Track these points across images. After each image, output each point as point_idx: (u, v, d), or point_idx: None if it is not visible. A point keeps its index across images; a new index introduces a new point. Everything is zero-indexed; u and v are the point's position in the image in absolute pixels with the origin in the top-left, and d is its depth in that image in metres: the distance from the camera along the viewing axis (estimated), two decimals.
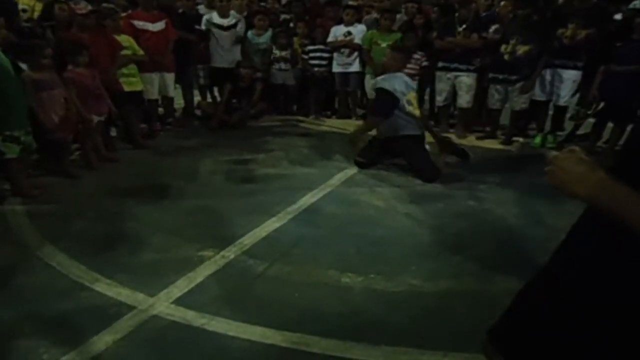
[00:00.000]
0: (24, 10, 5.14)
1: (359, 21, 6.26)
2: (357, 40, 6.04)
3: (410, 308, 2.41)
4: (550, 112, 5.43)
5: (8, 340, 2.13)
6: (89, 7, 4.56)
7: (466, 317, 2.30)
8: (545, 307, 1.12)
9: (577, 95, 5.32)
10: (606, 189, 0.86)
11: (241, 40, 6.20)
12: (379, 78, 4.60)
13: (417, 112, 4.48)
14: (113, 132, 5.25)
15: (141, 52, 5.05)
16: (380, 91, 4.42)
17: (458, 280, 2.66)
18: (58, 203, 3.69)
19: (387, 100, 4.34)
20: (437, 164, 4.35)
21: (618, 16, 5.22)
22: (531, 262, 2.71)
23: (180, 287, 2.54)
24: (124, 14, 5.32)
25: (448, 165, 4.41)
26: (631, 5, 5.15)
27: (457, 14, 5.50)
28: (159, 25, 5.31)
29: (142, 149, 5.10)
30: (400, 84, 4.40)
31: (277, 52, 6.26)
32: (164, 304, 2.39)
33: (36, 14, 5.19)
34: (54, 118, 3.93)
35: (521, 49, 4.99)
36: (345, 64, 6.20)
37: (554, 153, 0.97)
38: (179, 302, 2.42)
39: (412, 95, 4.49)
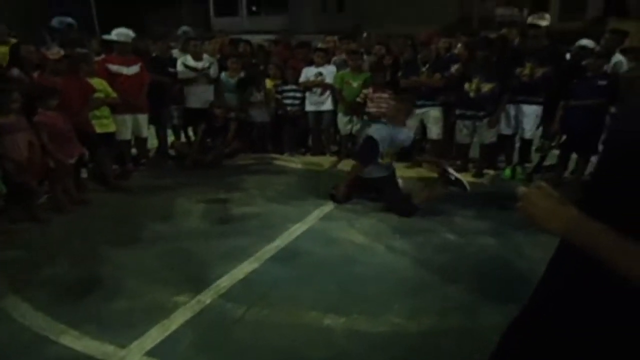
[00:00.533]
0: None
1: (329, 62, 6.44)
2: (328, 80, 6.21)
3: (394, 349, 2.37)
4: (517, 145, 5.64)
5: None
6: (62, 52, 4.54)
7: (452, 356, 2.27)
8: (531, 345, 1.11)
9: (541, 129, 5.56)
10: (577, 224, 0.90)
11: (214, 82, 6.28)
12: (374, 126, 4.70)
13: (387, 160, 4.53)
14: (84, 174, 5.12)
15: (114, 95, 5.01)
16: (368, 139, 4.43)
17: (442, 318, 2.64)
18: (25, 249, 3.54)
19: (372, 150, 4.37)
20: (416, 198, 4.37)
21: (567, 55, 5.55)
22: (514, 295, 2.68)
23: (154, 336, 2.44)
24: (98, 58, 5.33)
25: (429, 198, 4.42)
26: (577, 44, 5.51)
27: (419, 55, 5.78)
28: (133, 69, 5.37)
29: (115, 190, 4.99)
30: (387, 140, 4.39)
31: (255, 95, 6.33)
32: (136, 356, 2.29)
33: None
34: (16, 162, 3.81)
35: (485, 87, 5.24)
36: (318, 103, 6.34)
37: (523, 189, 1.02)
38: (153, 353, 2.32)
39: (389, 152, 4.49)
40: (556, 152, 5.39)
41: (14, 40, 5.22)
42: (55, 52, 4.50)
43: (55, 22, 5.34)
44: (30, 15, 14.17)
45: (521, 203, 0.99)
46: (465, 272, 3.20)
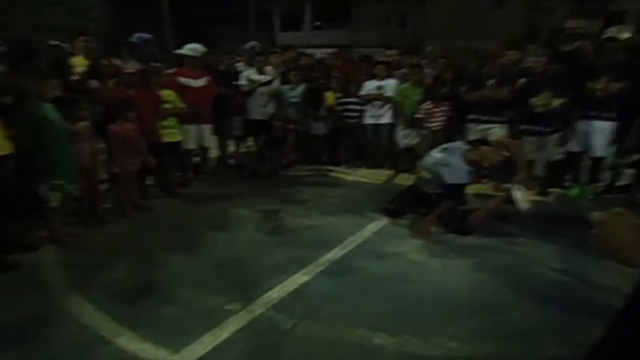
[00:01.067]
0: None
1: (390, 76, 6.38)
2: (388, 93, 6.15)
3: None
4: (587, 164, 5.27)
5: None
6: (137, 66, 4.82)
7: None
8: None
9: (614, 147, 5.15)
10: None
11: (276, 95, 6.42)
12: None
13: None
14: (149, 181, 5.37)
15: (182, 106, 5.25)
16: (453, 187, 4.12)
17: (499, 344, 2.48)
18: (90, 252, 3.73)
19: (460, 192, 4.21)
20: (472, 217, 4.16)
21: None
22: (577, 324, 2.50)
23: (205, 343, 2.46)
24: (170, 71, 5.62)
25: (485, 217, 4.17)
26: None
27: (484, 69, 5.56)
28: (201, 82, 5.63)
29: (176, 197, 5.19)
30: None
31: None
32: None
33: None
34: (81, 169, 4.00)
35: (555, 102, 4.95)
36: (377, 116, 6.30)
37: (598, 214, 0.91)
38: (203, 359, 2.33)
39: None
40: (630, 171, 5.00)
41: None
42: (131, 65, 4.79)
43: (134, 38, 5.69)
44: (110, 32, 15.34)
45: (598, 231, 0.88)
46: (526, 297, 2.99)
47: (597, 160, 5.15)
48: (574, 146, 5.10)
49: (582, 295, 2.98)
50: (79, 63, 5.04)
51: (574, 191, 5.20)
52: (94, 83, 4.76)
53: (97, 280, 3.21)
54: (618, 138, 4.96)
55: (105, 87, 4.81)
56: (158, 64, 5.31)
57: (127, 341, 2.48)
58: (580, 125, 5.01)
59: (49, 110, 3.65)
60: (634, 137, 4.71)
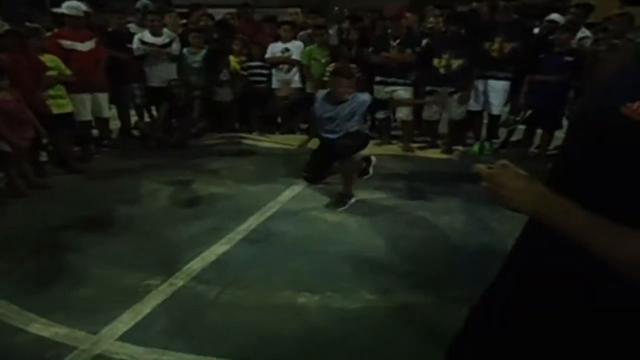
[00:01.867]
0: None
1: (295, 37, 6.30)
2: (294, 56, 6.08)
3: (369, 325, 2.38)
4: (485, 121, 5.70)
5: None
6: (6, 27, 4.25)
7: (423, 329, 2.32)
8: (500, 321, 1.11)
9: (509, 104, 5.63)
10: (547, 203, 0.87)
11: (176, 59, 6.05)
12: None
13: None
14: (43, 157, 4.90)
15: (68, 72, 4.76)
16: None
17: (414, 293, 2.67)
18: None
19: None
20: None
21: (536, 30, 5.61)
22: (482, 269, 2.76)
23: (126, 321, 2.37)
24: (49, 34, 5.03)
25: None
26: (547, 18, 5.58)
27: (389, 30, 5.68)
28: (88, 45, 5.11)
29: (76, 173, 4.80)
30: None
31: (224, 72, 6.16)
32: (109, 342, 2.22)
33: None
34: None
35: (455, 63, 5.24)
36: (285, 80, 6.20)
37: (481, 167, 0.98)
38: (125, 338, 2.25)
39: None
40: (522, 127, 5.51)
41: None
42: None
43: None
44: None
45: (486, 184, 0.95)
46: (435, 249, 3.25)
47: (494, 118, 5.56)
48: (474, 105, 5.48)
49: (484, 243, 3.29)
50: None
51: (475, 148, 5.65)
52: None
53: None
54: (512, 96, 5.40)
55: None
56: (36, 25, 4.75)
57: (41, 327, 2.31)
58: (478, 84, 5.37)
59: None
60: (524, 95, 5.17)
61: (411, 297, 2.63)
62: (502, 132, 5.89)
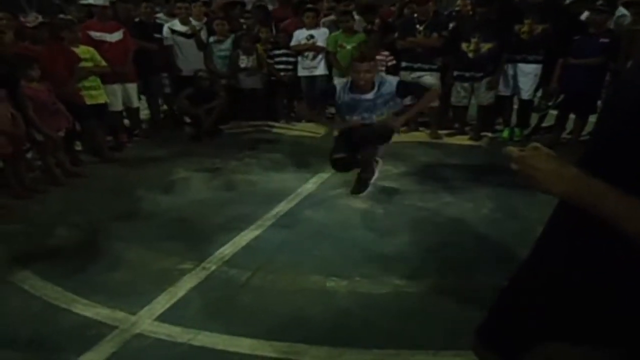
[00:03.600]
0: None
1: (318, 25, 6.23)
2: (319, 43, 6.05)
3: (397, 309, 2.41)
4: (515, 107, 5.57)
5: None
6: (40, 19, 4.37)
7: (452, 314, 2.33)
8: (530, 301, 1.13)
9: (540, 89, 5.47)
10: (581, 184, 0.87)
11: (203, 47, 6.11)
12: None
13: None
14: (78, 147, 5.08)
15: (103, 64, 4.89)
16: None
17: (442, 278, 2.69)
18: (26, 223, 3.53)
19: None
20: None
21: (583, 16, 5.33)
22: (510, 255, 2.79)
23: (162, 302, 2.47)
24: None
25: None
26: None
27: (415, 15, 5.58)
28: (116, 36, 5.19)
29: (109, 162, 4.96)
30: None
31: (244, 59, 6.18)
32: (147, 322, 2.32)
33: None
34: None
35: (484, 47, 5.12)
36: (311, 68, 6.20)
37: (513, 149, 0.97)
38: (162, 318, 2.35)
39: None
40: (554, 113, 5.36)
41: None
42: (32, 18, 4.33)
43: None
44: None
45: (518, 166, 0.95)
46: (463, 234, 3.24)
47: (525, 103, 5.41)
48: (503, 90, 5.33)
49: (511, 228, 3.26)
50: None
51: (505, 134, 5.53)
52: None
53: (40, 252, 3.08)
54: (543, 80, 5.22)
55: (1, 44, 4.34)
56: (69, 17, 4.85)
57: (83, 308, 2.43)
58: (508, 68, 5.22)
59: None
60: (557, 79, 5.01)
61: (439, 283, 2.64)
62: (534, 118, 5.74)
